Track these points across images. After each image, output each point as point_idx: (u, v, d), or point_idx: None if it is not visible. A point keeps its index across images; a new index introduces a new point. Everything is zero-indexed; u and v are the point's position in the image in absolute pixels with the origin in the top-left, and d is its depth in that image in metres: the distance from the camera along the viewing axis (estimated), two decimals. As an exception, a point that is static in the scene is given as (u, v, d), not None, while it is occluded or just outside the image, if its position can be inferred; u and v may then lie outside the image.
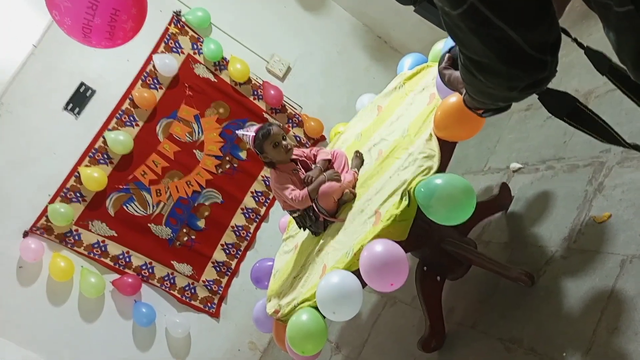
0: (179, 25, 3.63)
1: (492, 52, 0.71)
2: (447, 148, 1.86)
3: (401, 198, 1.75)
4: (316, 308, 1.84)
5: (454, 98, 1.77)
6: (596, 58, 0.97)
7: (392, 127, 2.36)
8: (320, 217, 2.26)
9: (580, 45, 1.00)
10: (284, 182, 2.27)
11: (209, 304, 3.66)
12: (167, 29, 3.59)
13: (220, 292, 3.69)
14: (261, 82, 3.85)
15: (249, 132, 2.29)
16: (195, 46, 3.69)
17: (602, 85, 2.30)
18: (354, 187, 2.31)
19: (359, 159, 2.38)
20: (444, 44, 2.14)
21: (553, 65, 0.76)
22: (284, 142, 2.25)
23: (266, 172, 3.83)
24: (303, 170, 2.35)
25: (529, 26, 0.68)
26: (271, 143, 2.23)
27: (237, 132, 2.49)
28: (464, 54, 0.77)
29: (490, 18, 0.66)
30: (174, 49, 3.62)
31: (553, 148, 2.39)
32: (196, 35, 3.69)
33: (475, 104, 1.00)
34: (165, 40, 3.59)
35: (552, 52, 0.74)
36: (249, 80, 3.81)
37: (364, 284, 1.76)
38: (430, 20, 1.15)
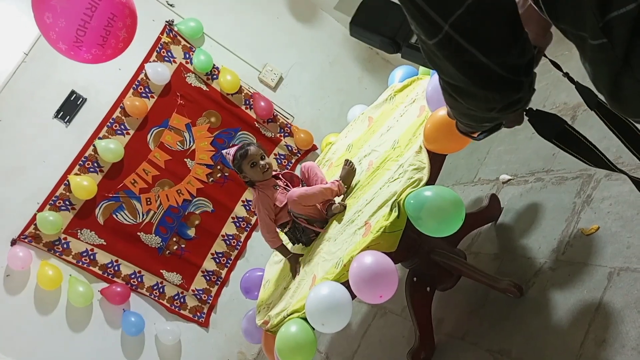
0: (171, 34, 3.64)
1: (466, 77, 0.73)
2: (437, 160, 1.88)
3: (391, 210, 1.76)
4: (305, 319, 1.84)
5: (444, 111, 1.79)
6: (585, 93, 1.00)
7: (382, 138, 2.38)
8: (303, 224, 2.30)
9: (570, 80, 1.02)
10: (261, 205, 2.32)
11: (198, 314, 3.64)
12: (159, 38, 3.60)
13: (210, 301, 3.67)
14: (253, 92, 3.86)
15: (230, 152, 2.35)
16: (187, 55, 3.69)
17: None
18: (342, 198, 2.32)
19: (349, 167, 2.36)
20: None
21: (527, 84, 0.78)
22: (261, 162, 2.30)
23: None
24: (287, 183, 2.41)
25: (501, 52, 0.70)
26: (249, 163, 2.29)
27: (221, 151, 2.56)
28: (443, 79, 0.80)
29: (464, 45, 0.68)
30: (166, 58, 3.62)
31: (542, 160, 2.41)
32: (188, 45, 3.70)
33: (466, 127, 1.02)
34: (158, 49, 3.59)
35: (525, 72, 0.76)
36: (241, 90, 3.81)
37: (353, 296, 1.76)
38: (417, 62, 1.19)
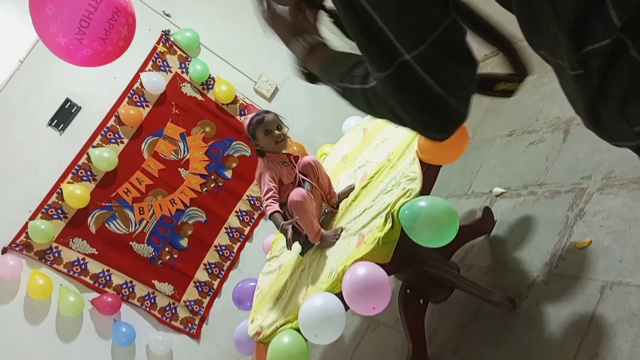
0: (167, 44, 3.65)
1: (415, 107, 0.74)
2: (431, 171, 1.88)
3: (385, 221, 1.76)
4: (298, 330, 1.83)
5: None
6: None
7: (377, 149, 2.38)
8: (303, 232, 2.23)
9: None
10: (268, 171, 2.21)
11: (189, 325, 3.60)
12: (155, 48, 3.61)
13: (202, 312, 3.64)
14: (247, 104, 3.87)
15: (247, 118, 2.28)
16: (183, 65, 3.70)
17: (583, 113, 2.35)
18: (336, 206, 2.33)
19: (349, 190, 2.36)
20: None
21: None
22: (276, 132, 2.23)
23: (252, 191, 3.83)
24: (294, 166, 2.32)
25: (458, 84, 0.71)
26: (263, 130, 2.22)
27: (239, 118, 2.44)
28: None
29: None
30: (162, 68, 3.63)
31: (535, 174, 2.42)
32: (184, 55, 3.71)
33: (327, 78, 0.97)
34: (154, 58, 3.60)
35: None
36: (236, 100, 3.82)
37: (346, 307, 1.75)
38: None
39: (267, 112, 2.28)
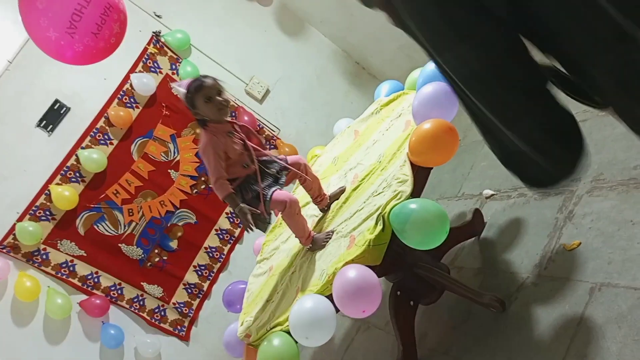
0: (158, 45, 3.63)
1: None
2: (422, 173, 1.88)
3: (376, 223, 1.76)
4: (288, 333, 1.82)
5: (429, 124, 1.81)
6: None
7: (368, 151, 2.39)
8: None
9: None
10: (212, 149, 2.04)
11: (179, 327, 3.58)
12: (145, 49, 3.59)
13: (191, 315, 3.62)
14: (237, 106, 3.86)
15: (182, 84, 2.08)
16: (174, 66, 3.68)
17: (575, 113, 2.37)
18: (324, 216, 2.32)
19: (340, 192, 2.35)
20: (420, 72, 2.18)
21: None
22: (217, 98, 2.04)
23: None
24: (242, 135, 2.15)
25: None
26: (203, 97, 2.02)
27: (171, 84, 2.23)
28: None
29: None
30: (152, 69, 3.61)
31: (525, 176, 2.43)
32: (175, 56, 3.69)
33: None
34: (144, 59, 3.58)
35: None
36: (227, 102, 3.81)
37: (337, 309, 1.75)
38: None
39: (206, 76, 2.08)
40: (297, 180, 2.46)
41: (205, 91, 2.02)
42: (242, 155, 2.11)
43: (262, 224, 2.14)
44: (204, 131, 2.10)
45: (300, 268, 2.14)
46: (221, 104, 2.05)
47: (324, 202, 2.36)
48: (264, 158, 2.22)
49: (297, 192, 2.74)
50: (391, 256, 1.81)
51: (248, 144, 2.15)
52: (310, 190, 2.35)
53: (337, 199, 2.32)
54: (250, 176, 2.14)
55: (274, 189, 2.13)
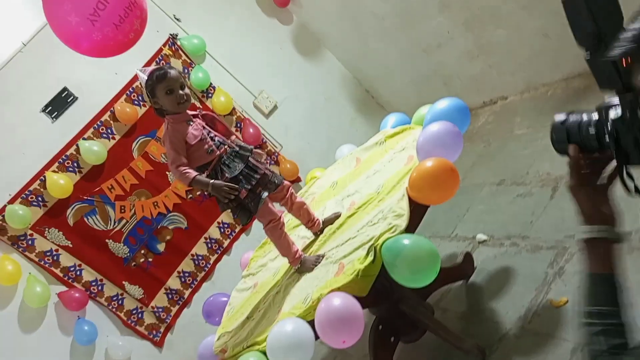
0: (173, 47, 3.65)
1: None
2: (419, 210, 1.88)
3: (367, 253, 1.75)
4: (264, 353, 1.79)
5: (431, 162, 1.81)
6: None
7: (367, 180, 2.38)
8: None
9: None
10: (172, 139, 1.99)
11: (154, 332, 3.53)
12: (160, 49, 3.61)
13: (168, 321, 3.57)
14: (244, 117, 3.87)
15: (146, 71, 2.01)
16: (186, 70, 3.70)
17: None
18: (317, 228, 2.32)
19: (335, 217, 2.33)
20: (429, 109, 2.19)
21: None
22: (179, 92, 1.97)
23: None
24: (204, 123, 2.09)
25: None
26: (165, 89, 1.95)
27: (136, 69, 2.18)
28: None
29: None
30: (165, 70, 3.62)
31: (520, 226, 2.43)
32: (189, 60, 3.72)
33: None
34: (158, 59, 3.60)
35: None
36: (233, 112, 3.82)
37: (317, 336, 1.73)
38: (594, 73, 1.09)
39: (171, 67, 2.02)
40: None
41: (168, 82, 1.96)
42: (202, 142, 2.03)
43: (243, 214, 2.08)
44: (164, 122, 2.05)
45: (285, 289, 2.12)
46: (182, 98, 1.99)
47: (316, 227, 2.34)
48: (235, 145, 2.14)
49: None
50: (378, 289, 1.80)
51: (212, 131, 2.09)
52: (299, 215, 2.33)
53: (332, 224, 2.30)
54: (220, 162, 2.06)
55: (267, 193, 2.10)
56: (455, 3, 3.17)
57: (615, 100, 0.84)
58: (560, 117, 0.95)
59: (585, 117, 0.92)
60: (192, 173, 1.98)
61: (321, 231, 2.33)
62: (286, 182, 2.27)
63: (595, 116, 0.90)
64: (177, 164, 1.98)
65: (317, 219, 2.35)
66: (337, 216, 2.32)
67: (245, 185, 2.03)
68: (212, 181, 1.98)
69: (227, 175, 2.01)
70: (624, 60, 0.80)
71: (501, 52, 3.29)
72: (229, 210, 2.10)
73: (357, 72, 4.34)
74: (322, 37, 4.23)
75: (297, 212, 2.32)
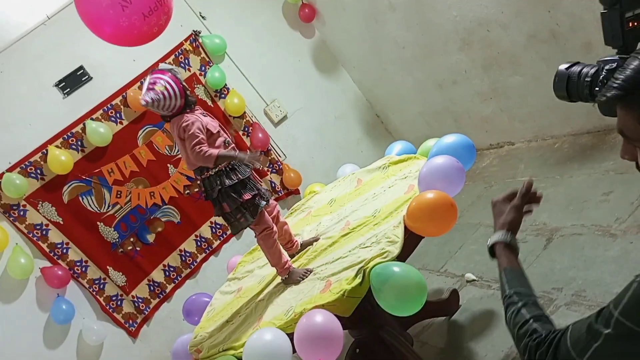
0: (194, 44, 3.68)
1: None
2: (413, 239, 1.89)
3: (356, 275, 1.75)
4: (239, 359, 1.79)
5: (432, 195, 1.82)
6: None
7: (365, 203, 2.39)
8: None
9: None
10: (201, 126, 2.11)
11: (130, 321, 3.50)
12: (181, 44, 3.64)
13: (147, 312, 3.55)
14: (254, 122, 3.89)
15: (162, 77, 2.11)
16: (203, 68, 3.73)
17: (569, 226, 2.39)
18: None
19: (313, 240, 2.41)
20: (436, 142, 2.21)
21: None
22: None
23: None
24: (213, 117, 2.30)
25: None
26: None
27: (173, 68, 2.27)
28: None
29: None
30: (182, 64, 3.65)
31: (509, 271, 2.43)
32: (207, 59, 3.74)
33: None
34: (177, 53, 3.63)
35: None
36: (244, 116, 3.84)
37: (294, 350, 1.72)
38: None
39: (171, 68, 2.20)
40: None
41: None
42: (219, 134, 2.19)
43: (234, 228, 2.20)
44: (188, 114, 2.14)
45: (269, 297, 2.12)
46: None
47: (294, 248, 2.40)
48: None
49: (289, 221, 2.73)
50: (361, 312, 1.80)
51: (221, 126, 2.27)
52: (280, 235, 2.36)
53: (311, 245, 2.36)
54: (229, 164, 2.16)
55: (265, 203, 2.20)
56: (477, 43, 3.21)
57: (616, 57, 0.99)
58: (565, 65, 1.11)
59: (586, 68, 1.06)
60: (215, 151, 2.10)
61: (297, 253, 2.36)
62: (273, 202, 2.39)
63: (595, 70, 1.04)
64: (202, 145, 2.08)
65: (296, 241, 2.43)
66: (315, 240, 2.37)
67: (250, 190, 2.14)
68: (236, 154, 2.12)
69: (239, 176, 2.14)
70: (630, 22, 1.00)
71: (515, 98, 3.32)
72: (222, 217, 2.22)
73: (370, 96, 4.37)
74: (341, 56, 4.27)
75: (280, 231, 2.35)
